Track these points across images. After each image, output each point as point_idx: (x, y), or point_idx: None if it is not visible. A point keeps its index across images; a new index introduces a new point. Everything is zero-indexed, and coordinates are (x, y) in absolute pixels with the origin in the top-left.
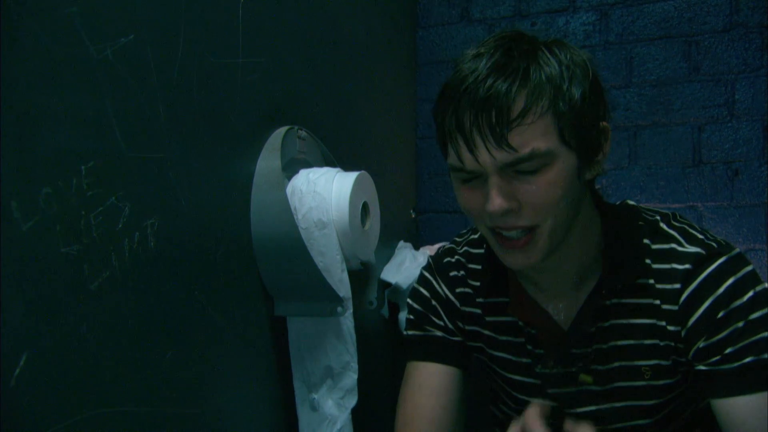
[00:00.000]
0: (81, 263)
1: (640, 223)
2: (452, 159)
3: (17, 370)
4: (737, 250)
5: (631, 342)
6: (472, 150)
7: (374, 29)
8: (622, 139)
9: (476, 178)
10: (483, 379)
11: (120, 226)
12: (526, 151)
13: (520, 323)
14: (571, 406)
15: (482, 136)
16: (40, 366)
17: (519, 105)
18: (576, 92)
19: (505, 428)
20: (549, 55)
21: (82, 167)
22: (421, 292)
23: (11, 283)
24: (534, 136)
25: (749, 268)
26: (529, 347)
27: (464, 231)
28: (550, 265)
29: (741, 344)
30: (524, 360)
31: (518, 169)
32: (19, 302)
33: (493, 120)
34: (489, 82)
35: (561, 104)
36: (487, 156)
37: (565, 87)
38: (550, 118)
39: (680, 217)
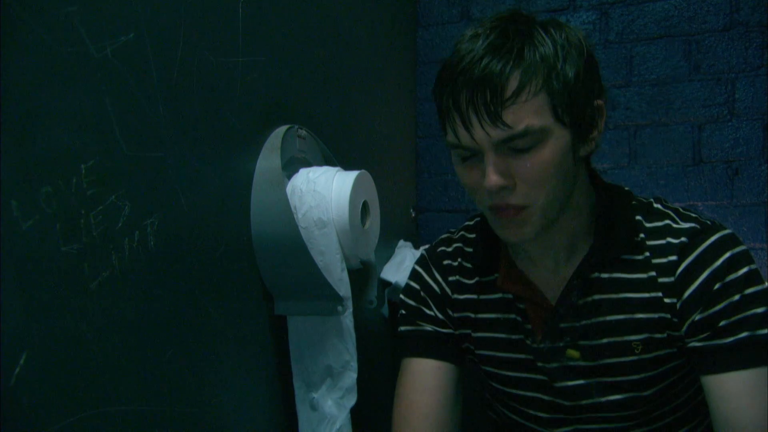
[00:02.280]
0: (81, 262)
1: (634, 202)
2: (450, 137)
3: (17, 369)
4: (731, 230)
5: (622, 317)
6: (468, 128)
7: (374, 28)
8: (622, 138)
9: (473, 156)
10: (480, 382)
11: (120, 225)
12: (520, 128)
13: (510, 296)
14: (560, 380)
15: (477, 115)
16: (40, 365)
17: (513, 84)
18: (570, 71)
19: (503, 430)
20: (544, 35)
21: (82, 166)
22: (411, 287)
23: (11, 282)
24: (528, 114)
25: (744, 247)
26: (519, 320)
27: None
28: (541, 236)
29: (735, 318)
30: (515, 336)
31: (513, 146)
32: (19, 301)
33: (488, 99)
34: (484, 62)
35: (554, 83)
36: (483, 133)
37: (559, 66)
38: (543, 96)
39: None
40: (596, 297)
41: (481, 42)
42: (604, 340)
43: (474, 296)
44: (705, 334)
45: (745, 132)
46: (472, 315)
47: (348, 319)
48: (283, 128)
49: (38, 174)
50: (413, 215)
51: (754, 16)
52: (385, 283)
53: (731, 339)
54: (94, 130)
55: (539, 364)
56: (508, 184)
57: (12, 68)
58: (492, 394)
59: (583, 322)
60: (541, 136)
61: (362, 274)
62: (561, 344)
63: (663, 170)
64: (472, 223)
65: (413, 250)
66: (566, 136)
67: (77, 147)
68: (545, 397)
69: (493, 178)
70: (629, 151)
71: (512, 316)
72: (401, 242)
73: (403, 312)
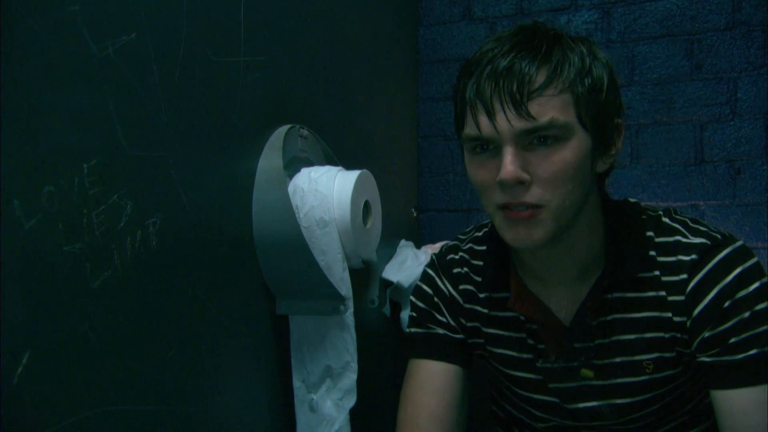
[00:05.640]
0: (83, 262)
1: (643, 217)
2: (469, 128)
3: (20, 369)
4: (741, 241)
5: (633, 336)
6: (491, 116)
7: (376, 28)
8: (623, 137)
9: (490, 150)
10: (484, 379)
11: (122, 224)
12: (544, 120)
13: (521, 318)
14: (572, 401)
15: (502, 103)
16: (42, 364)
17: (540, 78)
18: (595, 79)
19: (507, 428)
20: (572, 43)
21: (84, 165)
22: (423, 290)
23: (13, 281)
24: (554, 108)
25: (755, 259)
26: (531, 342)
27: (468, 229)
28: (552, 256)
29: (745, 335)
30: (525, 355)
31: (534, 139)
32: (21, 300)
33: (514, 89)
34: (511, 55)
35: (580, 86)
36: (505, 123)
37: (585, 71)
38: (569, 96)
39: (680, 212)
40: (609, 317)
41: (507, 41)
42: (617, 359)
43: (484, 310)
44: (715, 350)
45: (747, 131)
46: (483, 328)
47: (349, 319)
48: (285, 128)
49: (40, 173)
50: (415, 215)
51: (756, 15)
52: (387, 283)
53: (741, 356)
54: (96, 129)
55: (551, 385)
56: (523, 178)
57: (14, 68)
58: (500, 396)
59: (597, 342)
60: (564, 133)
61: (364, 274)
62: (575, 364)
63: (665, 170)
64: (480, 234)
65: (415, 250)
66: (587, 141)
67: (79, 146)
68: (555, 419)
69: (510, 169)
70: (631, 150)
71: (522, 335)
72: (403, 242)
73: (414, 314)
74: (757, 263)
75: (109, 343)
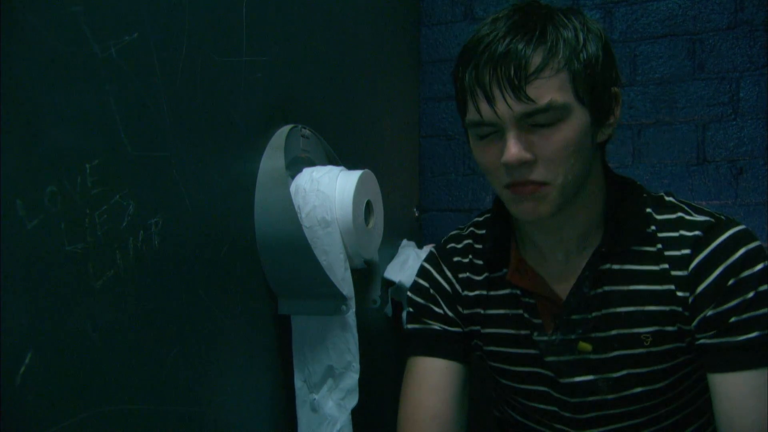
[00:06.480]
0: (86, 262)
1: (644, 195)
2: (471, 114)
3: (22, 368)
4: (745, 225)
5: (631, 309)
6: (491, 102)
7: (378, 27)
8: (625, 137)
9: (493, 133)
10: (485, 381)
11: (124, 224)
12: (543, 102)
13: (518, 292)
14: (568, 375)
15: (501, 89)
16: (45, 364)
17: (536, 61)
18: (590, 54)
19: (507, 429)
20: (565, 19)
21: (87, 165)
22: (420, 284)
23: (16, 281)
24: (551, 90)
25: (759, 242)
26: (527, 316)
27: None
28: (552, 225)
29: (747, 315)
30: (523, 332)
31: (535, 121)
32: (23, 300)
33: (512, 74)
34: (507, 39)
35: (576, 63)
36: (506, 108)
37: (579, 47)
38: (565, 74)
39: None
40: (606, 288)
41: (503, 23)
42: (614, 332)
43: (483, 292)
44: (715, 331)
45: (749, 131)
46: (482, 311)
47: (351, 319)
48: (287, 128)
49: (43, 173)
50: (416, 214)
51: (758, 14)
52: (389, 283)
53: (742, 338)
54: (98, 129)
55: (546, 359)
56: (527, 159)
57: (16, 68)
58: (499, 392)
59: (594, 314)
60: (562, 113)
61: (365, 274)
62: (573, 336)
63: (667, 169)
64: (481, 219)
65: (416, 250)
66: (586, 116)
67: (82, 146)
68: (552, 393)
69: (513, 151)
70: (633, 150)
71: (519, 311)
72: (404, 241)
73: (411, 310)
74: (761, 246)
75: (112, 343)
